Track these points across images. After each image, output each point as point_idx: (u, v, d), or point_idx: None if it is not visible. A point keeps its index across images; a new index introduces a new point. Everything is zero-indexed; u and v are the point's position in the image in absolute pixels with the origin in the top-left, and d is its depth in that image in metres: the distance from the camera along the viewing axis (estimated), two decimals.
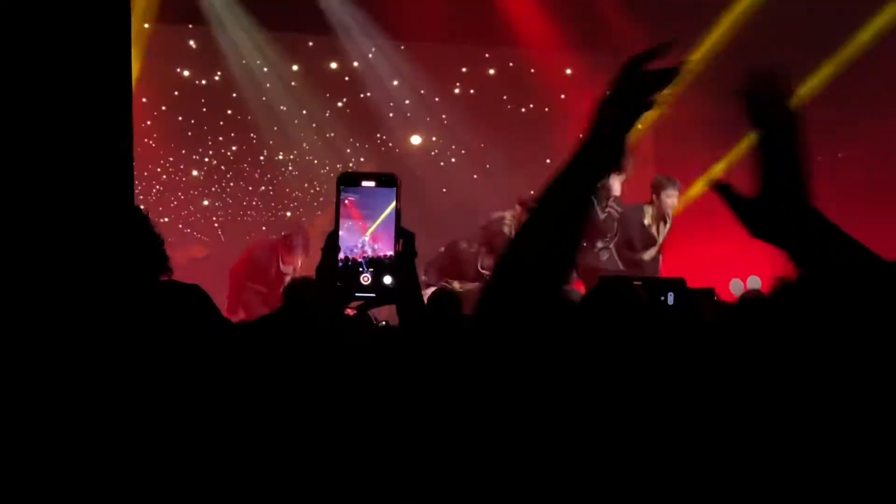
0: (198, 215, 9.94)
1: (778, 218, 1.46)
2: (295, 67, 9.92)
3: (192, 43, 9.76)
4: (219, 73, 9.77)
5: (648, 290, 2.66)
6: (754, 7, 9.13)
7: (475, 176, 10.40)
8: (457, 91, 10.54)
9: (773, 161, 1.46)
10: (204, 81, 9.88)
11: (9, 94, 1.99)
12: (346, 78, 10.20)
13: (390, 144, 10.44)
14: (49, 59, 2.07)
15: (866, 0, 8.85)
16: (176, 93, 9.87)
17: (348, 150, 10.22)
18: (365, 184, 1.96)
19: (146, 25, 8.84)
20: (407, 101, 10.35)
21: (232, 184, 9.93)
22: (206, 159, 9.96)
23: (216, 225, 10.04)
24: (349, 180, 1.97)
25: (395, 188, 1.96)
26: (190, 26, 9.51)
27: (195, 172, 9.87)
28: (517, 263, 1.39)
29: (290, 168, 10.09)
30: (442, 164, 10.60)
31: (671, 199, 7.76)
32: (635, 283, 2.77)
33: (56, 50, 2.14)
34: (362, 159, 10.25)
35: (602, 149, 1.39)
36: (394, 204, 1.96)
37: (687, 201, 8.27)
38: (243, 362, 1.68)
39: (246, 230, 9.98)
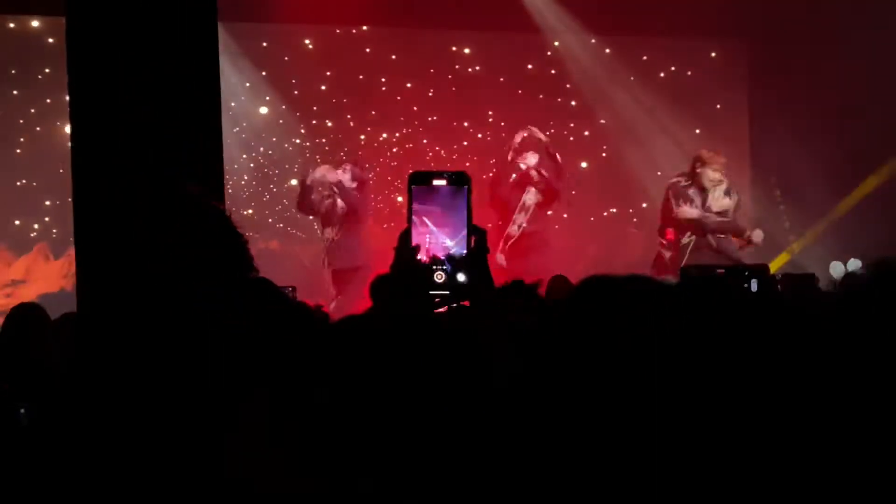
0: (292, 210, 10.14)
1: None
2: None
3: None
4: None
5: (731, 277, 2.59)
6: None
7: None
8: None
9: None
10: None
11: (112, 103, 2.04)
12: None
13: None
14: (148, 66, 2.12)
15: None
16: (267, 97, 10.17)
17: None
18: (436, 182, 1.95)
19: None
20: None
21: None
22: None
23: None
24: (420, 179, 1.96)
25: (466, 186, 1.94)
26: None
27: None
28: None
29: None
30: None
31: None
32: (718, 270, 2.70)
33: (153, 58, 2.19)
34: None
35: None
36: (465, 201, 1.94)
37: None
38: (347, 363, 1.66)
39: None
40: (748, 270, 2.80)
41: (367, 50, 10.18)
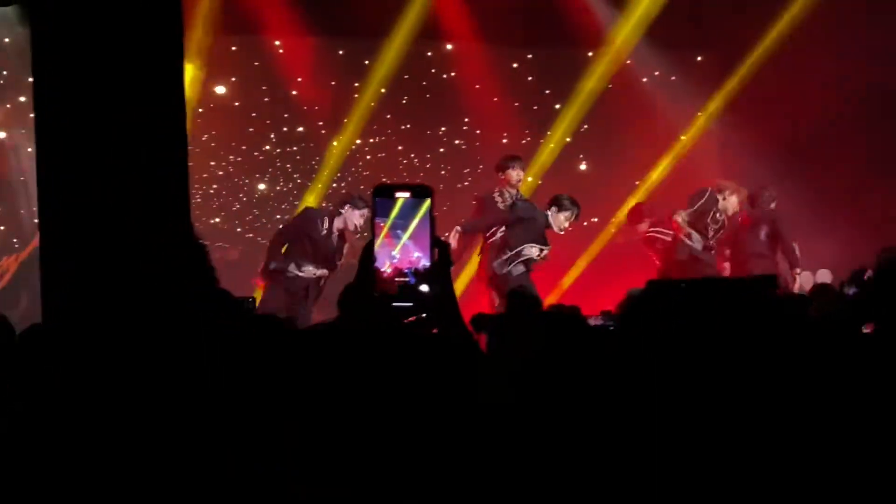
0: (263, 220, 10.18)
1: None
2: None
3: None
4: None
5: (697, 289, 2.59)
6: None
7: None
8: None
9: None
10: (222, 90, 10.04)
11: (70, 109, 2.01)
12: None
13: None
14: (106, 72, 2.09)
15: None
16: (211, 105, 10.02)
17: None
18: (399, 195, 1.95)
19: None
20: None
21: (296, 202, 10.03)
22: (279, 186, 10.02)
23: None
24: (384, 192, 1.95)
25: (429, 198, 1.94)
26: None
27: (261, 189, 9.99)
28: None
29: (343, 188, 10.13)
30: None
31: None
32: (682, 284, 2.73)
33: (112, 64, 2.15)
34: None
35: None
36: (429, 214, 1.94)
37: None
38: (301, 367, 1.67)
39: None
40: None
41: (340, 52, 10.11)
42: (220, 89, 9.95)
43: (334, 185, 10.18)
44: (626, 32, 9.64)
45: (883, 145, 8.76)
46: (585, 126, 10.38)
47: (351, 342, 1.78)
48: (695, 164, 10.09)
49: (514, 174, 7.64)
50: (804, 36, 8.66)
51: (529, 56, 10.53)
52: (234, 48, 9.99)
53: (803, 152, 9.10)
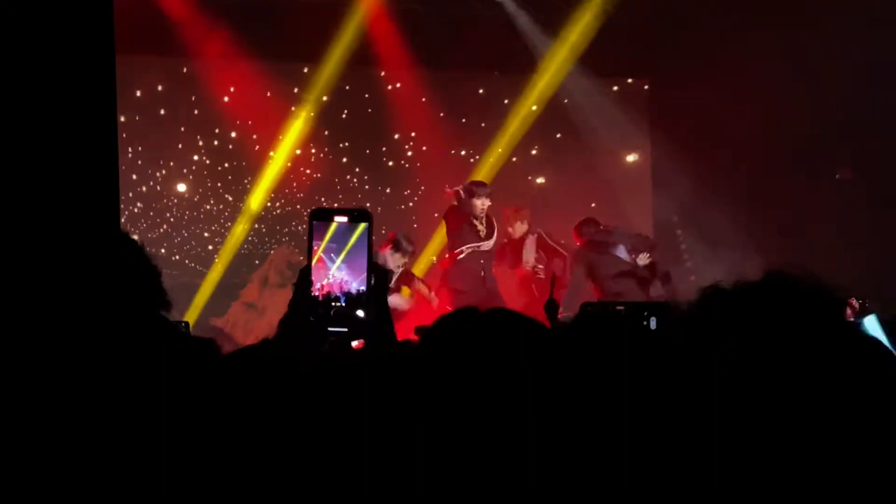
0: (199, 250, 10.03)
1: None
2: None
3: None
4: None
5: (631, 314, 2.60)
6: None
7: None
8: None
9: None
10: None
11: None
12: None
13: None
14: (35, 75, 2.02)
15: None
16: (179, 146, 9.93)
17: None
18: (338, 219, 1.92)
19: None
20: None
21: (228, 223, 9.87)
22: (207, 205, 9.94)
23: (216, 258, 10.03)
24: (322, 215, 1.92)
25: (367, 223, 1.91)
26: None
27: (195, 213, 9.83)
28: None
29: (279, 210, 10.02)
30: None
31: None
32: (618, 307, 2.72)
33: (42, 67, 2.09)
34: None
35: None
36: (366, 239, 1.92)
37: None
38: (224, 396, 1.62)
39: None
40: (647, 308, 2.81)
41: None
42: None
43: (268, 204, 10.04)
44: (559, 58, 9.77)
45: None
46: (535, 149, 10.50)
47: (280, 369, 1.74)
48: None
49: (479, 203, 7.83)
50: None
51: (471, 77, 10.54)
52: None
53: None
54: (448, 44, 9.53)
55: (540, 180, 10.68)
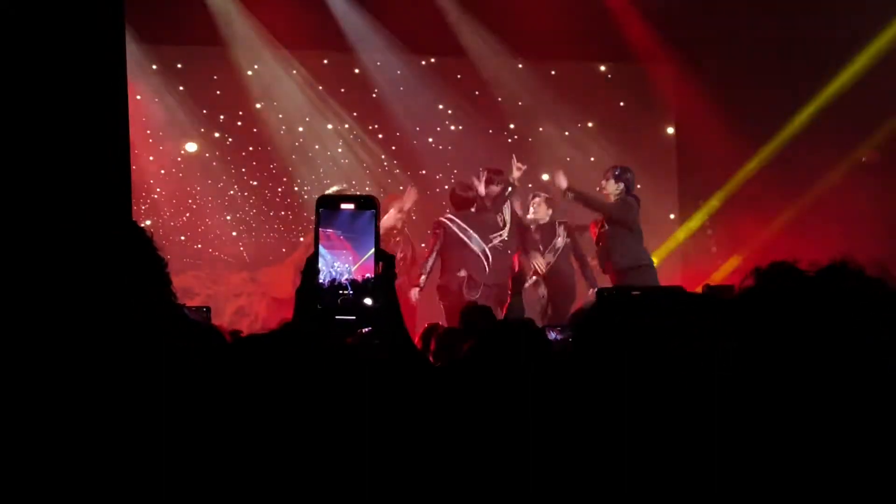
0: (223, 238, 9.89)
1: None
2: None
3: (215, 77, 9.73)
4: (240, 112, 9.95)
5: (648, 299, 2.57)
6: None
7: None
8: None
9: None
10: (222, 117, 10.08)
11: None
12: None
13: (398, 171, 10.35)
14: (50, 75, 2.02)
15: None
16: (202, 129, 10.00)
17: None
18: (344, 206, 1.91)
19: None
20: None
21: (254, 210, 9.88)
22: (231, 191, 9.94)
23: (241, 248, 9.94)
24: (328, 203, 1.90)
25: (374, 210, 1.89)
26: None
27: (219, 200, 9.86)
28: None
29: (306, 196, 10.05)
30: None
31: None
32: (633, 292, 2.69)
33: (56, 68, 2.08)
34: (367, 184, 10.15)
35: None
36: (373, 226, 1.89)
37: None
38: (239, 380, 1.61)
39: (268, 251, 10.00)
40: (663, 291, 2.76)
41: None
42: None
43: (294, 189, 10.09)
44: None
45: None
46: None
47: (284, 355, 1.73)
48: None
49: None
50: None
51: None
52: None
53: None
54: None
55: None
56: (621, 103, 10.55)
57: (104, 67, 2.33)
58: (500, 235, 7.94)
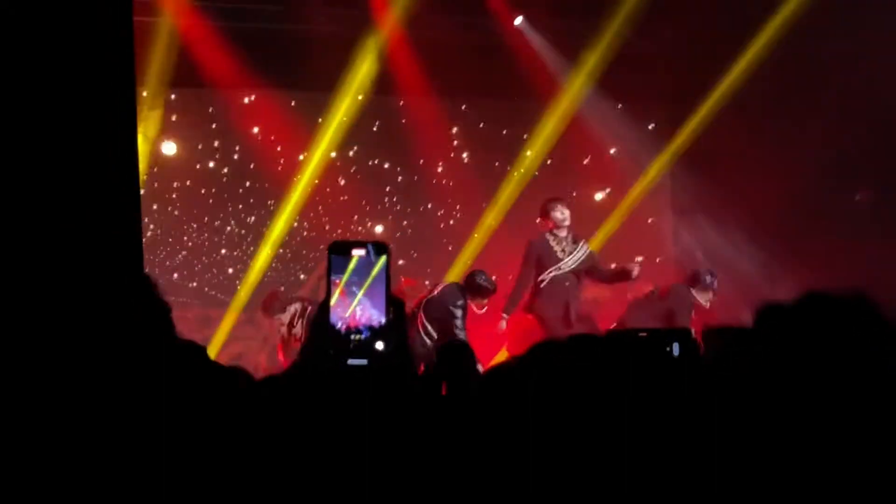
0: (220, 277, 9.88)
1: None
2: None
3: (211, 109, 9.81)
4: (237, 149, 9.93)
5: (653, 340, 2.57)
6: None
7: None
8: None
9: None
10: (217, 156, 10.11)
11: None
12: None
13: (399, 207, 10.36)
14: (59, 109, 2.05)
15: None
16: (197, 166, 10.00)
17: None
18: (356, 252, 1.92)
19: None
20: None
21: (252, 248, 9.87)
22: (228, 227, 9.92)
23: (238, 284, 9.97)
24: (340, 249, 1.92)
25: (385, 255, 1.92)
26: None
27: (216, 238, 9.84)
28: None
29: (304, 233, 10.04)
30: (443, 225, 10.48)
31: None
32: (640, 334, 2.70)
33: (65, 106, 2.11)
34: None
35: None
36: (385, 271, 1.92)
37: None
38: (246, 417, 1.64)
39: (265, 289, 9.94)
40: (670, 334, 2.78)
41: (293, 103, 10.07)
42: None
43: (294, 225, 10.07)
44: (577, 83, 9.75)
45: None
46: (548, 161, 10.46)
47: (300, 392, 1.75)
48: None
49: (559, 215, 7.72)
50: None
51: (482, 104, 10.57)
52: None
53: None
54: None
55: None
56: None
57: (112, 72, 2.33)
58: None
